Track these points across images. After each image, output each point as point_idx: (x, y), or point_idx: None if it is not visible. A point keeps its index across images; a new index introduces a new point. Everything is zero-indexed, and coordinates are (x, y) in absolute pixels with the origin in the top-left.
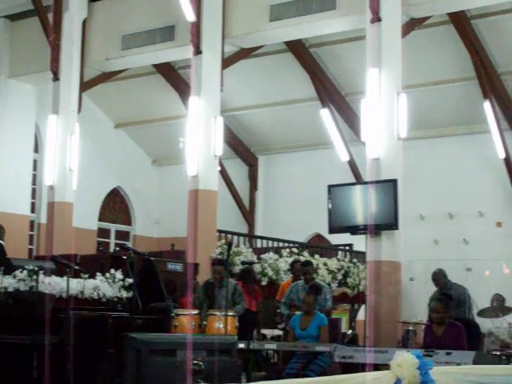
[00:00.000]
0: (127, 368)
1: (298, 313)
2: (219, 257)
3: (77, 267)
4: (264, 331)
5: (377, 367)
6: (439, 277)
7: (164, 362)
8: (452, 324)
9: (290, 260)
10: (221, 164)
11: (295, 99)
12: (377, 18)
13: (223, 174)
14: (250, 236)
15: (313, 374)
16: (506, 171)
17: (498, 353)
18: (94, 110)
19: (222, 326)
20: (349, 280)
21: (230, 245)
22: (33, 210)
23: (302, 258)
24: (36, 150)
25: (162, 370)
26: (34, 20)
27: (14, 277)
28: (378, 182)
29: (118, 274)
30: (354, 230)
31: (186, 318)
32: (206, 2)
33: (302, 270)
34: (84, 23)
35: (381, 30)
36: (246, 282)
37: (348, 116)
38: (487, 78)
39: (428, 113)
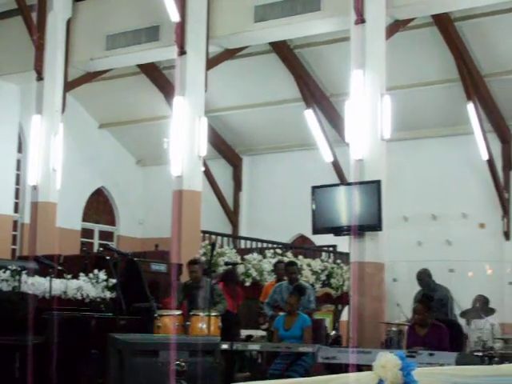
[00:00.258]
0: (110, 369)
1: (281, 313)
2: (196, 257)
3: (60, 267)
4: (248, 332)
5: (360, 368)
6: (424, 276)
7: (146, 362)
8: (435, 325)
9: (274, 261)
10: (205, 164)
11: (280, 100)
12: (361, 20)
13: (207, 174)
14: (234, 237)
15: (296, 374)
16: (489, 173)
17: (481, 353)
18: (78, 110)
19: (205, 326)
20: (332, 281)
21: (213, 245)
22: (16, 210)
23: (285, 259)
24: (20, 149)
25: (145, 370)
26: (18, 19)
27: None
28: (361, 183)
29: (102, 275)
30: (338, 230)
31: (169, 319)
32: (190, 2)
33: (287, 269)
34: (68, 23)
35: (365, 32)
36: (228, 283)
37: (332, 117)
38: (470, 80)
39: (412, 114)
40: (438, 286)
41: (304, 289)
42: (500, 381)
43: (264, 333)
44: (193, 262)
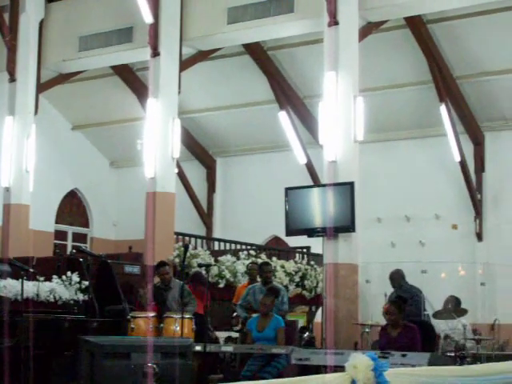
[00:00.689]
0: (82, 371)
1: (254, 315)
2: (177, 263)
3: (32, 270)
4: (225, 334)
5: (334, 369)
6: (396, 277)
7: (118, 365)
8: (407, 326)
9: (248, 262)
10: (178, 166)
11: (253, 102)
12: (334, 22)
13: (181, 176)
14: (208, 238)
15: (269, 376)
16: (462, 174)
17: (453, 354)
18: (50, 112)
19: (178, 328)
20: (306, 282)
21: (186, 247)
22: None
23: (259, 261)
24: None
25: (117, 373)
26: None
27: None
28: (335, 184)
29: (75, 277)
30: (311, 232)
31: (142, 321)
32: (163, 3)
33: (262, 270)
34: (41, 24)
35: (338, 34)
36: (196, 285)
37: (306, 119)
38: (443, 82)
39: (385, 116)
40: (411, 286)
41: (278, 290)
42: (472, 381)
43: (236, 334)
44: (162, 264)
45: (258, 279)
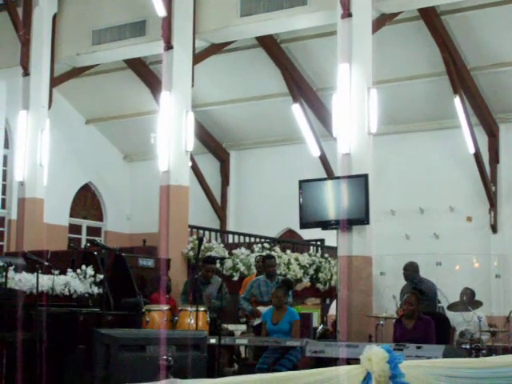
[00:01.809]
0: (97, 364)
1: (260, 307)
2: (191, 256)
3: (47, 263)
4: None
5: (348, 361)
6: (410, 269)
7: (133, 357)
8: (422, 318)
9: (257, 255)
10: (192, 159)
11: (266, 94)
12: (347, 14)
13: (195, 169)
14: (222, 231)
15: (284, 368)
16: (476, 166)
17: (468, 346)
18: (64, 106)
19: (193, 321)
20: (320, 275)
21: (200, 240)
22: (3, 206)
23: (273, 254)
24: (6, 145)
25: (132, 365)
26: (4, 15)
27: None
28: (348, 177)
29: (89, 270)
30: (325, 225)
31: (157, 314)
32: None
33: (265, 263)
34: (54, 18)
35: (351, 26)
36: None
37: (319, 111)
38: (457, 74)
39: (398, 108)
40: (424, 279)
41: (291, 282)
42: (487, 373)
43: (243, 327)
44: (211, 261)
45: (265, 271)
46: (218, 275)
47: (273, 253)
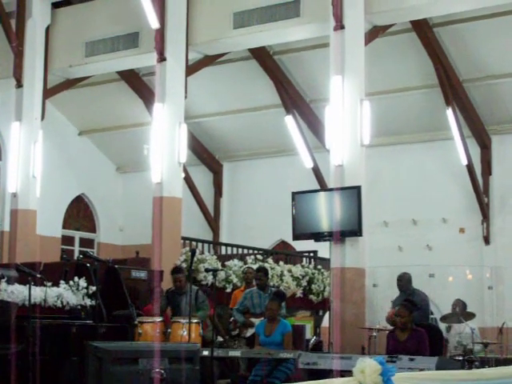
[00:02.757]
0: (89, 376)
1: (253, 319)
2: (177, 264)
3: (40, 275)
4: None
5: (341, 374)
6: (404, 279)
7: (126, 370)
8: (414, 330)
9: (255, 267)
10: (185, 171)
11: (260, 106)
12: (340, 26)
13: (187, 180)
14: (215, 243)
15: (277, 381)
16: (469, 178)
17: (461, 358)
18: (57, 118)
19: (185, 333)
20: (313, 286)
21: (193, 252)
22: None
23: (266, 265)
24: None
25: (124, 378)
26: None
27: None
28: (341, 188)
29: (82, 282)
30: (318, 236)
31: (149, 326)
32: (169, 9)
33: (257, 275)
34: (47, 30)
35: (344, 38)
36: None
37: (312, 123)
38: (449, 86)
39: (391, 120)
40: (417, 290)
41: (284, 294)
42: None
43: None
44: (178, 271)
45: (254, 283)
46: (208, 287)
47: (266, 264)
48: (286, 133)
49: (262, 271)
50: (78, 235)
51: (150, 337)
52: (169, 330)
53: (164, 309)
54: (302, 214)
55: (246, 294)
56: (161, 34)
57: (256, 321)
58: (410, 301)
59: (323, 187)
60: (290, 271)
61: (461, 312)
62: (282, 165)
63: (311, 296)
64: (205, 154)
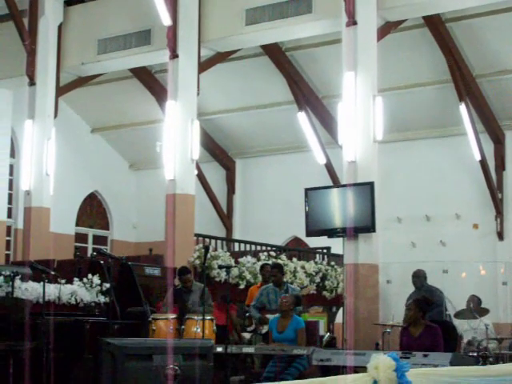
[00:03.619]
0: (103, 373)
1: (269, 316)
2: (197, 265)
3: (53, 272)
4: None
5: (355, 370)
6: (420, 275)
7: (140, 366)
8: (428, 326)
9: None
10: (198, 168)
11: (272, 103)
12: (352, 22)
13: (200, 177)
14: (228, 240)
15: (290, 377)
16: (482, 173)
17: (475, 354)
18: (70, 115)
19: (199, 330)
20: (327, 283)
21: (206, 248)
22: (9, 216)
23: (279, 262)
24: (12, 155)
25: (138, 374)
26: (10, 25)
27: None
28: (354, 184)
29: (96, 279)
30: (331, 233)
31: (163, 323)
32: (181, 6)
33: (272, 271)
34: (60, 28)
35: (356, 34)
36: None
37: (325, 119)
38: (462, 81)
39: (404, 115)
40: (432, 287)
41: (299, 299)
42: (494, 381)
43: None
44: (185, 273)
45: (272, 278)
46: (222, 284)
47: (279, 261)
48: (298, 129)
49: (277, 268)
50: (91, 232)
51: (163, 333)
52: (182, 327)
53: (168, 304)
54: (315, 210)
55: (262, 291)
56: (173, 31)
57: (272, 317)
58: (425, 298)
59: (336, 183)
60: (303, 268)
61: (474, 308)
62: (294, 161)
63: (324, 292)
64: (217, 150)
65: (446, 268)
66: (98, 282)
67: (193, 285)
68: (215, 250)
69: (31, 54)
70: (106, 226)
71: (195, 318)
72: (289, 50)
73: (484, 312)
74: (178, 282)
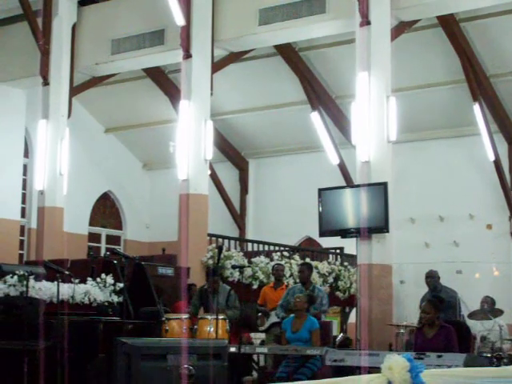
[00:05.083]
0: (117, 373)
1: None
2: (210, 265)
3: (67, 272)
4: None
5: (368, 370)
6: (434, 276)
7: (155, 366)
8: (443, 326)
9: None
10: (211, 168)
11: (285, 103)
12: (366, 22)
13: (214, 177)
14: (241, 240)
15: (304, 377)
16: (496, 173)
17: (489, 355)
18: (83, 115)
19: (212, 329)
20: (340, 283)
21: (220, 249)
22: (23, 215)
23: (292, 262)
24: (26, 154)
25: (153, 374)
26: (24, 25)
27: (5, 282)
28: (368, 185)
29: (109, 279)
30: (345, 233)
31: (176, 323)
32: (195, 6)
33: (299, 269)
34: (73, 28)
35: (370, 34)
36: None
37: (338, 119)
38: (476, 81)
39: (418, 116)
40: (445, 288)
41: (313, 297)
42: (508, 382)
43: (263, 335)
44: (215, 273)
45: (285, 280)
46: (235, 284)
47: (292, 261)
48: (311, 129)
49: (306, 265)
50: (104, 232)
51: (176, 333)
52: (195, 327)
53: (198, 307)
54: (328, 210)
55: (288, 290)
56: (186, 31)
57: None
58: (438, 297)
59: (349, 184)
60: (316, 268)
61: (489, 309)
62: (307, 161)
63: (338, 293)
64: (230, 150)
65: (460, 268)
66: (112, 281)
67: (220, 286)
68: (228, 249)
69: (45, 54)
70: (120, 226)
71: (209, 317)
72: (302, 50)
73: (498, 313)
74: (206, 282)
